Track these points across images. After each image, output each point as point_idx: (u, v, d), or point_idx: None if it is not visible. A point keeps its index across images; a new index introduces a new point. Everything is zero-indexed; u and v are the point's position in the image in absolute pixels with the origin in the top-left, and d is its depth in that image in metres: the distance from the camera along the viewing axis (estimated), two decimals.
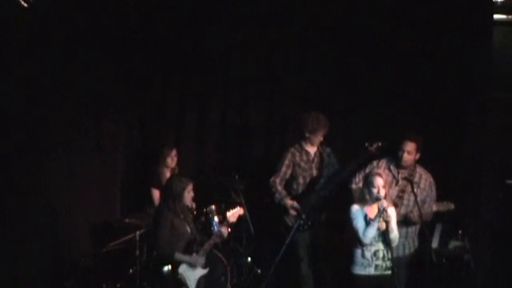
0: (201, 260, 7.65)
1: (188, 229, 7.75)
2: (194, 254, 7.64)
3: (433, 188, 7.88)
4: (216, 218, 8.69)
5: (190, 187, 7.70)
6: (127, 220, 8.49)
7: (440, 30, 8.95)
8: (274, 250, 8.25)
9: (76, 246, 8.86)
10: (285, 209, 8.33)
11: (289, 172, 8.43)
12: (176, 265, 7.58)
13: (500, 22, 9.26)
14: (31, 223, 8.46)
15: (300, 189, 8.41)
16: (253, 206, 8.74)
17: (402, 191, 7.80)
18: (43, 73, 8.44)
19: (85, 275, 8.76)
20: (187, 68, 9.35)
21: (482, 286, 8.46)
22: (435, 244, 8.36)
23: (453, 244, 8.50)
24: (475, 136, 8.91)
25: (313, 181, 8.38)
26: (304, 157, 8.42)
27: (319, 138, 8.36)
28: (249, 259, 8.82)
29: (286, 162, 8.42)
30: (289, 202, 8.32)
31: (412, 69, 9.05)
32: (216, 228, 8.59)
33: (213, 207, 8.65)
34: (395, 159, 7.88)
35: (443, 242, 8.49)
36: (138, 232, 8.34)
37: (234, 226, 8.10)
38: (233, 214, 7.94)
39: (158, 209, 7.88)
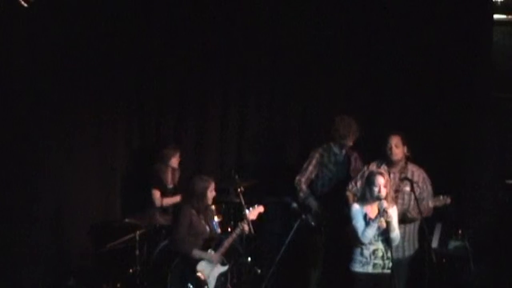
0: (218, 257, 7.71)
1: (207, 228, 7.81)
2: (211, 251, 7.69)
3: (428, 183, 7.87)
4: (216, 218, 8.68)
5: (212, 186, 7.78)
6: (127, 220, 8.48)
7: (440, 30, 8.95)
8: (274, 250, 8.24)
9: (76, 246, 8.86)
10: (308, 209, 8.31)
11: (315, 172, 8.40)
12: (194, 262, 7.63)
13: (500, 22, 9.27)
14: (31, 223, 8.47)
15: (326, 190, 8.40)
16: (253, 206, 8.71)
17: (397, 190, 7.79)
18: (43, 73, 8.45)
19: (85, 275, 8.76)
20: (187, 67, 9.35)
21: (482, 286, 8.45)
22: (435, 244, 8.35)
23: (453, 244, 8.49)
24: (475, 136, 8.91)
25: (339, 183, 8.35)
26: (332, 159, 8.40)
27: (348, 143, 8.34)
28: (249, 259, 8.81)
29: (314, 162, 8.39)
30: (313, 202, 8.31)
31: (412, 69, 9.04)
32: (215, 228, 8.58)
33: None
34: (385, 160, 7.87)
35: (443, 242, 8.48)
36: (138, 232, 8.34)
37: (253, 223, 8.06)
38: (253, 212, 7.97)
39: (179, 207, 7.95)
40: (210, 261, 7.70)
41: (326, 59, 9.27)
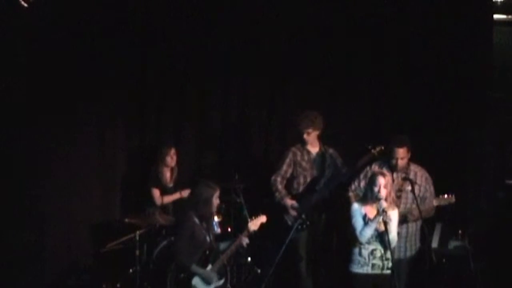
0: (214, 275, 7.55)
1: (208, 239, 7.64)
2: (209, 267, 7.55)
3: (430, 183, 7.87)
4: (216, 218, 8.68)
5: (218, 193, 7.60)
6: (127, 220, 8.48)
7: (440, 30, 8.95)
8: (274, 250, 8.25)
9: (76, 246, 8.86)
10: (284, 208, 8.34)
11: (290, 171, 8.43)
12: (190, 275, 7.51)
13: (500, 22, 9.27)
14: (31, 223, 8.47)
15: (301, 188, 8.42)
16: (253, 206, 8.72)
17: (399, 190, 7.79)
18: (43, 73, 8.46)
19: (85, 275, 8.76)
20: (187, 68, 9.34)
21: (482, 286, 8.45)
22: (435, 244, 8.35)
23: (453, 244, 8.49)
24: (475, 136, 8.91)
25: (314, 181, 8.37)
26: (306, 157, 8.41)
27: (313, 137, 8.35)
28: (249, 259, 8.81)
29: (287, 161, 8.42)
30: (288, 201, 8.33)
31: (412, 69, 9.04)
32: (215, 228, 8.57)
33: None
34: (388, 162, 7.86)
35: (443, 242, 8.48)
36: (138, 232, 8.34)
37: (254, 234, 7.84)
38: (255, 222, 7.72)
39: (182, 217, 7.77)
40: (207, 278, 7.55)
41: (327, 59, 9.26)
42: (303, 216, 8.23)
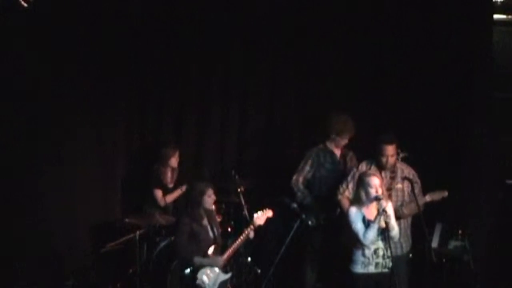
0: (221, 262, 7.57)
1: (211, 234, 7.68)
2: (214, 256, 7.58)
3: (417, 179, 7.86)
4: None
5: (209, 191, 7.63)
6: (127, 220, 8.48)
7: (440, 30, 8.95)
8: (274, 250, 8.25)
9: (76, 246, 8.86)
10: (306, 209, 8.30)
11: (312, 172, 8.40)
12: (196, 270, 7.52)
13: (500, 22, 9.28)
14: (31, 222, 8.48)
15: (323, 189, 8.39)
16: (253, 206, 8.73)
17: (389, 189, 7.78)
18: (43, 73, 8.46)
19: (85, 275, 8.77)
20: (187, 68, 9.35)
21: (482, 286, 8.46)
22: (435, 244, 8.36)
23: (453, 244, 8.50)
24: (475, 135, 8.91)
25: (336, 183, 8.33)
26: (329, 158, 8.39)
27: (344, 140, 8.34)
28: (249, 259, 8.81)
29: (310, 161, 8.39)
30: (311, 202, 8.29)
31: (412, 69, 9.04)
32: None
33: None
34: (375, 161, 7.85)
35: (443, 242, 8.49)
36: (138, 232, 8.34)
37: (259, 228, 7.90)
38: (260, 216, 7.77)
39: (178, 215, 7.85)
40: (212, 265, 7.56)
41: (326, 59, 9.27)
42: (303, 216, 8.22)
